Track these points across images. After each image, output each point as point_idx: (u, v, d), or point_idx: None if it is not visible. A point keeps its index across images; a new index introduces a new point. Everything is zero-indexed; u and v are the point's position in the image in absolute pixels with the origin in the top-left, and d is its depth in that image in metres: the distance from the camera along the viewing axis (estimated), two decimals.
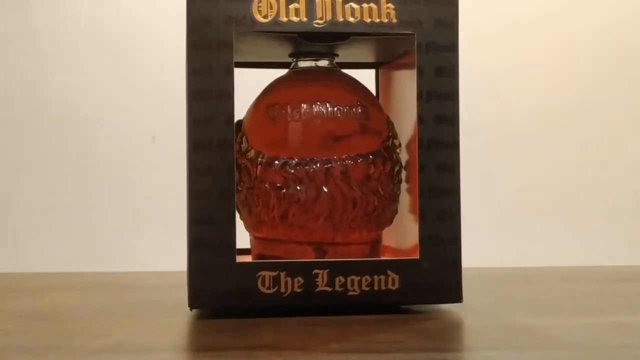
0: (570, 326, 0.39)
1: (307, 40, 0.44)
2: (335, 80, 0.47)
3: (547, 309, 0.45)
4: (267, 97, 0.46)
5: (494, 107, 1.03)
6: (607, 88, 1.04)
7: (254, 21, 0.42)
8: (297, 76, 0.47)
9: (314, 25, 0.42)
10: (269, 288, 0.41)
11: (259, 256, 0.46)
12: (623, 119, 1.05)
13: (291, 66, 0.48)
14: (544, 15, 1.04)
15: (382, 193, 0.44)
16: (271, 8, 0.42)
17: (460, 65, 0.44)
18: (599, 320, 0.41)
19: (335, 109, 0.44)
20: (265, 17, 0.42)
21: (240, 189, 0.45)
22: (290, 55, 0.48)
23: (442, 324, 0.39)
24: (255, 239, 0.46)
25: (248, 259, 0.46)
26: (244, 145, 0.45)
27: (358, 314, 0.41)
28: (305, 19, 0.42)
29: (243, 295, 0.41)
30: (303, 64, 0.47)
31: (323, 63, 0.47)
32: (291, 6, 0.42)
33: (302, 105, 0.44)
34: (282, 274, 0.41)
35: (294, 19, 0.42)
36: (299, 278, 0.42)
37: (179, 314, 0.42)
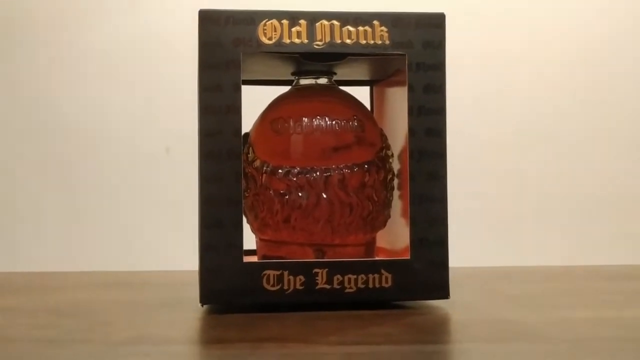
0: (550, 321, 0.39)
1: (308, 60, 0.44)
2: (333, 96, 0.47)
3: (528, 305, 0.45)
4: (272, 112, 0.46)
5: (479, 121, 1.03)
6: (580, 105, 1.05)
7: (259, 43, 0.42)
8: (298, 93, 0.48)
9: (314, 46, 0.43)
10: (273, 285, 0.41)
11: (264, 257, 0.46)
12: (595, 132, 1.05)
13: (293, 83, 0.48)
14: (527, 35, 1.04)
15: (376, 199, 0.45)
16: (275, 31, 0.42)
17: (448, 82, 0.44)
18: (576, 315, 0.41)
19: (334, 122, 0.44)
20: (270, 39, 0.42)
21: (247, 195, 0.45)
22: (293, 74, 0.48)
23: (431, 319, 0.40)
24: (260, 240, 0.46)
25: (254, 259, 0.47)
26: (250, 156, 0.45)
27: (354, 310, 0.42)
28: (306, 41, 0.43)
29: (250, 292, 0.41)
30: (304, 81, 0.47)
31: (322, 81, 0.47)
32: (293, 29, 0.42)
33: (304, 119, 0.44)
34: (285, 273, 0.42)
35: (296, 40, 0.43)
36: (301, 276, 0.42)
37: (191, 310, 0.42)
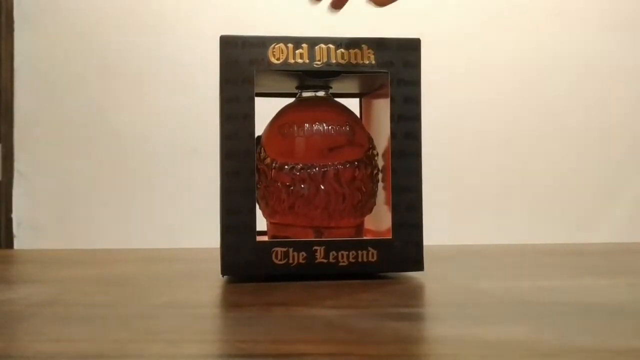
0: (505, 288, 0.39)
1: (309, 77, 0.44)
2: (329, 106, 0.47)
3: (487, 276, 0.45)
4: (279, 119, 0.46)
5: (449, 127, 1.03)
6: (529, 115, 1.05)
7: (269, 62, 0.42)
8: (301, 103, 0.47)
9: (314, 65, 0.43)
10: (280, 260, 0.42)
11: (273, 236, 0.46)
12: (544, 135, 1.06)
13: (297, 96, 0.48)
14: (486, 56, 1.05)
15: (364, 190, 0.45)
16: (282, 53, 0.42)
17: (422, 95, 0.44)
18: (525, 284, 0.41)
19: (330, 127, 0.44)
20: (278, 59, 0.42)
21: (259, 186, 0.45)
22: (297, 88, 0.48)
23: (409, 287, 0.40)
24: (270, 224, 0.46)
25: (265, 238, 0.47)
26: (262, 155, 0.45)
27: (347, 279, 0.42)
28: (307, 61, 0.43)
29: (261, 265, 0.41)
30: (306, 94, 0.47)
31: (321, 93, 0.47)
32: (297, 51, 0.42)
33: (305, 124, 0.44)
34: (291, 250, 0.42)
35: (299, 60, 0.43)
36: (303, 253, 0.42)
37: (213, 280, 0.43)
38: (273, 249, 0.42)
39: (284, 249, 0.42)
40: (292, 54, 0.42)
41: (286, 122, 0.45)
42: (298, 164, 0.44)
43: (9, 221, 1.07)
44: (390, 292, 0.37)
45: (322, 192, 0.43)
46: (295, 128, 0.44)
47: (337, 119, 0.45)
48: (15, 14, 1.06)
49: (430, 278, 0.43)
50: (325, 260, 0.42)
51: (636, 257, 0.58)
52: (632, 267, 0.50)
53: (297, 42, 0.42)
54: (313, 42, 0.43)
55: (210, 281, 0.42)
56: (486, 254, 0.61)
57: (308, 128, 0.44)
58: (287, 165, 0.44)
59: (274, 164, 0.44)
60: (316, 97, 0.47)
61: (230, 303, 0.36)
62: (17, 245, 1.06)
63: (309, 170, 0.43)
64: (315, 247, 0.42)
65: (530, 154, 1.05)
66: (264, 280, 0.41)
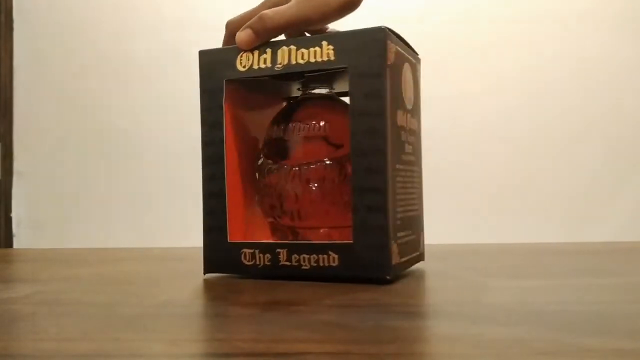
0: (505, 287, 0.39)
1: (275, 80, 0.44)
2: (327, 105, 0.46)
3: (487, 275, 0.45)
4: (274, 119, 0.46)
5: (448, 127, 1.03)
6: (529, 114, 1.05)
7: (236, 70, 0.43)
8: (298, 102, 0.47)
9: (275, 69, 0.42)
10: (249, 261, 0.42)
11: (272, 233, 0.46)
12: (540, 136, 1.06)
13: (299, 96, 0.47)
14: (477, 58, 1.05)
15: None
16: (249, 60, 0.43)
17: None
18: (524, 283, 0.41)
19: (323, 125, 0.44)
20: (244, 67, 0.43)
21: (259, 187, 0.45)
22: (298, 89, 0.48)
23: (408, 286, 0.39)
24: (268, 223, 0.47)
25: (265, 239, 0.47)
26: (260, 155, 0.46)
27: (340, 282, 0.41)
28: (270, 65, 0.42)
29: (234, 266, 0.43)
30: (303, 93, 0.47)
31: (322, 91, 0.46)
32: (262, 57, 0.42)
33: (298, 123, 0.44)
34: (257, 251, 0.42)
35: (262, 65, 0.42)
36: (268, 255, 0.42)
37: (211, 278, 0.43)
38: (242, 250, 0.42)
39: (251, 251, 0.42)
40: (257, 60, 0.42)
41: (279, 121, 0.45)
42: (289, 164, 0.43)
43: (9, 220, 1.07)
44: (390, 291, 0.37)
45: (312, 192, 0.43)
46: (288, 127, 0.44)
47: (334, 118, 0.45)
48: (15, 14, 1.06)
49: (429, 277, 0.43)
50: (288, 263, 0.41)
51: (637, 256, 0.58)
52: (632, 267, 0.50)
53: (262, 47, 0.42)
54: (276, 45, 0.42)
55: (210, 280, 0.42)
56: (486, 253, 0.61)
57: (301, 127, 0.44)
58: (278, 165, 0.44)
59: (268, 164, 0.44)
60: (315, 95, 0.47)
61: (230, 302, 0.36)
62: (16, 244, 1.07)
63: (299, 170, 0.43)
64: (278, 250, 0.42)
65: (530, 153, 1.05)
66: (262, 279, 0.41)
